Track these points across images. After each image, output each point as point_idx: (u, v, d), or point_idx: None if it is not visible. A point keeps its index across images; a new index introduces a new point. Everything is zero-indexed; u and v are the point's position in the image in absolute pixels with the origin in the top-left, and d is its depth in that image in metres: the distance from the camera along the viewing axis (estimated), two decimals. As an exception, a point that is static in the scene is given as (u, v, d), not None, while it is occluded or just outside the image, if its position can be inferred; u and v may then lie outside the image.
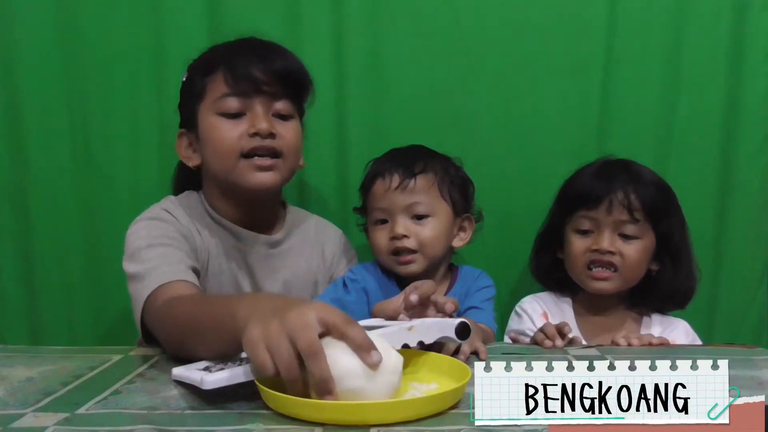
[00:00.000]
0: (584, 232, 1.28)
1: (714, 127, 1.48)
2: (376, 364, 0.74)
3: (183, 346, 0.94)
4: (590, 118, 1.47)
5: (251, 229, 1.23)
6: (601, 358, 1.03)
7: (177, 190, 1.28)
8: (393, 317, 1.01)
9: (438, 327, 0.95)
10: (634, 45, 1.45)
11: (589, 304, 1.33)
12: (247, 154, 1.15)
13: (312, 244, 1.30)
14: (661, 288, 1.30)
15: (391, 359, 0.79)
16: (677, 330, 1.30)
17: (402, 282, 1.25)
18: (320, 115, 1.44)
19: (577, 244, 1.29)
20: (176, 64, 1.41)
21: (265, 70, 1.15)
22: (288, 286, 1.24)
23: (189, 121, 1.21)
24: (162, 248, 1.09)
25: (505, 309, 1.43)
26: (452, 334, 0.95)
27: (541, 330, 1.11)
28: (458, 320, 0.96)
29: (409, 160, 1.24)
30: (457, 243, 1.29)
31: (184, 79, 1.24)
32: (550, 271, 1.36)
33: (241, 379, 0.81)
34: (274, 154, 1.16)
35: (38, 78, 1.43)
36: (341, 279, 1.27)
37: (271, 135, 1.15)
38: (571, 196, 1.31)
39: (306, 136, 1.43)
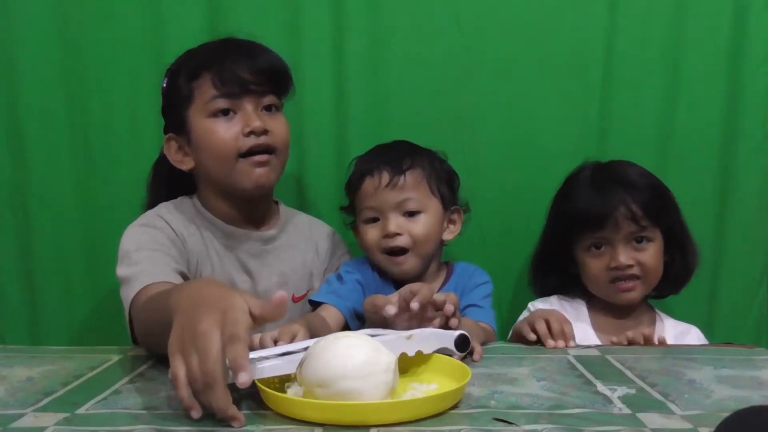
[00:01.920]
0: (598, 251, 1.27)
1: (714, 127, 1.48)
2: (242, 384, 0.73)
3: (153, 345, 0.99)
4: (590, 118, 1.47)
5: (246, 227, 1.25)
6: (601, 358, 1.03)
7: (152, 200, 1.28)
8: (383, 305, 1.00)
9: (437, 337, 0.95)
10: (634, 45, 1.45)
11: (604, 305, 1.32)
12: (245, 154, 1.17)
13: (305, 239, 1.32)
14: (674, 276, 1.31)
15: (383, 358, 0.79)
16: (690, 335, 1.30)
17: (398, 283, 1.24)
18: (320, 115, 1.44)
19: (594, 265, 1.28)
20: (176, 64, 1.42)
21: (251, 69, 1.18)
22: (285, 278, 1.26)
23: (177, 126, 1.22)
24: (149, 252, 1.11)
25: (506, 309, 1.43)
26: (451, 346, 0.95)
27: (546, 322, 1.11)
28: (458, 332, 0.96)
29: (395, 156, 1.24)
30: (447, 236, 1.28)
31: (164, 84, 1.25)
32: (564, 289, 1.35)
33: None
34: (269, 150, 1.19)
35: (38, 78, 1.43)
36: (334, 275, 1.27)
37: (265, 132, 1.18)
38: (573, 220, 1.29)
39: (306, 135, 1.44)
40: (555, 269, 1.35)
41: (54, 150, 1.45)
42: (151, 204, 1.27)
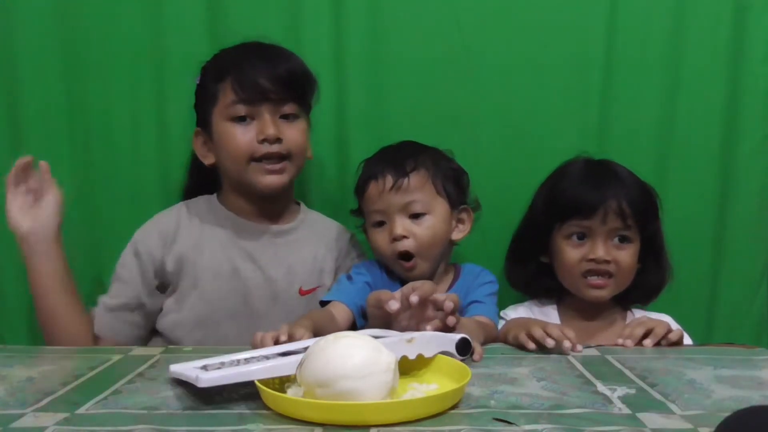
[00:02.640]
0: (577, 241, 1.28)
1: (714, 127, 1.47)
2: None
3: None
4: (590, 118, 1.47)
5: (260, 221, 1.31)
6: (601, 358, 1.03)
7: (187, 195, 1.38)
8: (386, 300, 1.01)
9: (438, 341, 0.95)
10: (634, 45, 1.45)
11: (575, 307, 1.32)
12: (258, 159, 1.24)
13: (319, 236, 1.35)
14: (645, 285, 1.31)
15: (383, 359, 0.79)
16: None
17: (405, 281, 1.25)
18: (320, 115, 1.44)
19: (571, 253, 1.28)
20: (176, 64, 1.42)
21: (271, 77, 1.23)
22: (292, 271, 1.29)
23: (204, 122, 1.29)
24: (114, 300, 1.28)
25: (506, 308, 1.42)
26: (452, 349, 0.95)
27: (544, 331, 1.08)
28: (459, 336, 0.96)
29: (399, 158, 1.24)
30: (456, 236, 1.29)
31: (197, 81, 1.30)
32: (536, 278, 1.35)
33: (237, 380, 0.81)
34: (282, 157, 1.24)
35: (38, 78, 1.43)
36: (344, 275, 1.28)
37: (279, 140, 1.23)
38: (562, 205, 1.29)
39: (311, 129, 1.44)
40: (529, 257, 1.35)
41: (54, 150, 1.45)
42: (188, 188, 1.38)
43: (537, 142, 1.47)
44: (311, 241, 1.33)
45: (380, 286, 1.25)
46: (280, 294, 1.27)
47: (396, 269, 1.26)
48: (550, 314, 1.33)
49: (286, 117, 1.26)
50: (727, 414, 0.64)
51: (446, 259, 1.30)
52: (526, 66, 1.45)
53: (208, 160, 1.30)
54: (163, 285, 1.28)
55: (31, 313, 1.48)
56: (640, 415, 0.78)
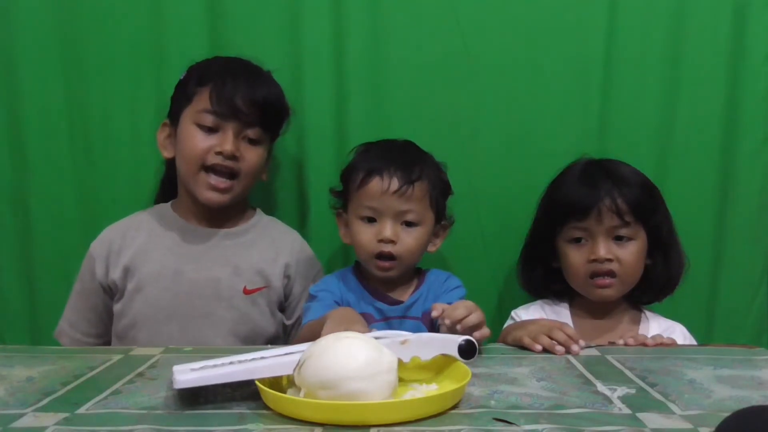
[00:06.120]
0: (579, 243, 1.28)
1: (714, 127, 1.47)
2: None
3: None
4: (590, 118, 1.47)
5: (212, 225, 1.34)
6: (601, 357, 1.03)
7: (161, 194, 1.42)
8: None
9: (437, 343, 0.90)
10: (634, 45, 1.45)
11: (587, 307, 1.32)
12: (208, 168, 1.27)
13: (271, 239, 1.36)
14: (655, 281, 1.31)
15: (385, 359, 0.79)
16: (675, 333, 1.29)
17: (371, 288, 1.27)
18: (320, 114, 1.44)
19: (575, 256, 1.28)
20: (176, 64, 1.41)
21: (246, 100, 1.27)
22: (238, 271, 1.31)
23: (174, 117, 1.32)
24: (71, 315, 1.35)
25: (505, 311, 1.43)
26: (454, 353, 0.89)
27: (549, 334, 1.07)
28: (463, 337, 0.89)
29: (405, 162, 1.23)
30: (430, 248, 1.29)
31: (182, 77, 1.32)
32: (545, 283, 1.35)
33: (215, 381, 0.81)
34: (232, 174, 1.28)
35: (38, 78, 1.43)
36: (307, 302, 1.27)
37: (234, 157, 1.27)
38: (559, 208, 1.29)
39: (306, 135, 1.44)
40: (540, 262, 1.35)
41: (54, 150, 1.45)
42: (161, 187, 1.42)
43: (537, 142, 1.46)
44: (261, 242, 1.35)
45: (343, 297, 1.26)
46: (224, 293, 1.29)
47: (369, 266, 1.25)
48: (561, 314, 1.32)
49: (249, 141, 1.29)
50: (727, 414, 0.64)
51: (414, 266, 1.30)
52: (526, 67, 1.45)
53: (166, 152, 1.33)
54: (112, 292, 1.32)
55: (31, 313, 1.49)
56: (640, 415, 0.78)
